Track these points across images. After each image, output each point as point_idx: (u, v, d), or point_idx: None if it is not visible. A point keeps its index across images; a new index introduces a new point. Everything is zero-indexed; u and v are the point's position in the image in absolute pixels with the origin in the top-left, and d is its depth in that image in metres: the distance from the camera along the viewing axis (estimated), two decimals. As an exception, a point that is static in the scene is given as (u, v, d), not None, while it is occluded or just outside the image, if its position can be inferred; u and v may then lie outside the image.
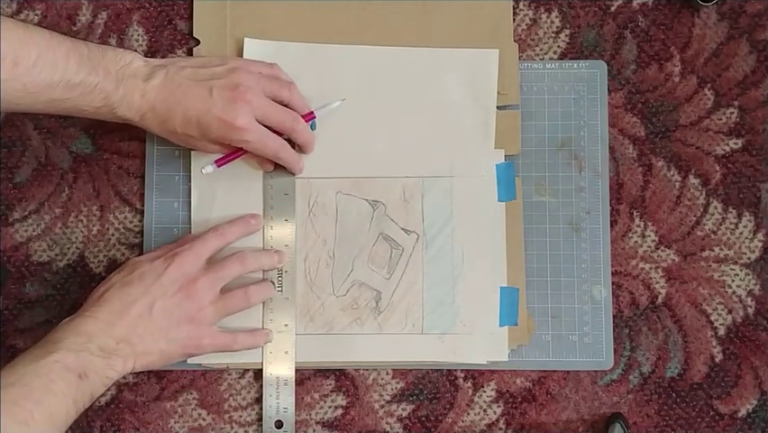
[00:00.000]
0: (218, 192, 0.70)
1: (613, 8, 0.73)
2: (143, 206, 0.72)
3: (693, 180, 0.72)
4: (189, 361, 0.68)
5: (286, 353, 0.69)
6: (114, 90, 0.61)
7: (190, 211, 0.71)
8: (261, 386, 0.70)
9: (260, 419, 0.70)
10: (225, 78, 0.64)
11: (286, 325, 0.69)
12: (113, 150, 0.72)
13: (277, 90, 0.66)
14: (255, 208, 0.70)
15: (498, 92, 0.71)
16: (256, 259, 0.67)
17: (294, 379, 0.69)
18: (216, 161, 0.67)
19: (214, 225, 0.69)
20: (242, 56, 0.71)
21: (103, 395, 0.68)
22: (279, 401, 0.69)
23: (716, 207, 0.72)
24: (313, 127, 0.69)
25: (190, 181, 0.71)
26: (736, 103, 0.72)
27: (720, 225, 0.72)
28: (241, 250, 0.67)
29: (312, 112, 0.69)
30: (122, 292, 0.61)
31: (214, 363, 0.69)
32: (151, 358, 0.61)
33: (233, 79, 0.64)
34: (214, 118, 0.62)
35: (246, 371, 0.71)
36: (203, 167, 0.67)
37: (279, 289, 0.69)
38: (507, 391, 0.71)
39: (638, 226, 0.72)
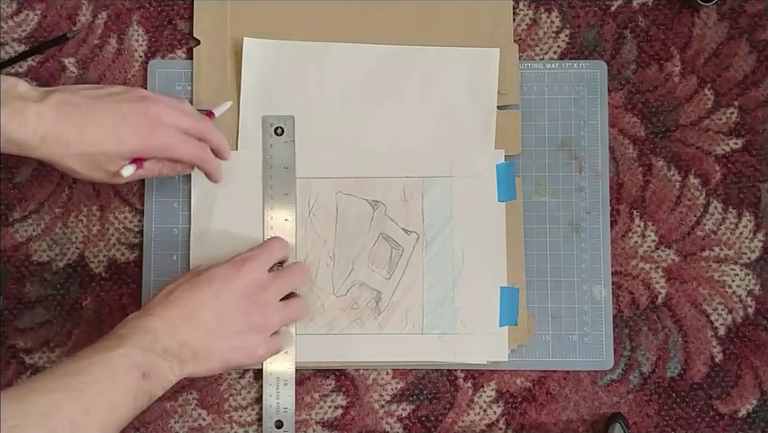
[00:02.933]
0: (218, 192, 0.70)
1: (613, 8, 0.73)
2: (143, 206, 0.72)
3: (693, 180, 0.72)
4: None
5: (286, 353, 0.69)
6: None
7: (190, 211, 0.71)
8: (262, 386, 0.70)
9: (259, 419, 0.70)
10: (126, 93, 0.61)
11: (285, 325, 0.69)
12: (113, 150, 0.72)
13: (176, 103, 0.64)
14: (255, 209, 0.70)
15: (499, 92, 0.71)
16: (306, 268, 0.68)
17: (294, 379, 0.69)
18: (134, 162, 0.62)
19: (215, 225, 0.69)
20: (241, 56, 0.71)
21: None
22: (279, 401, 0.69)
23: (716, 207, 0.72)
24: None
25: (190, 181, 0.71)
26: (736, 103, 0.72)
27: (720, 225, 0.72)
28: (300, 261, 0.68)
29: (212, 112, 0.68)
30: (190, 294, 0.60)
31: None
32: (211, 365, 0.61)
33: (135, 93, 0.62)
34: (132, 126, 0.60)
35: (246, 371, 0.71)
36: (122, 168, 0.61)
37: None
38: (507, 391, 0.71)
39: (638, 226, 0.72)
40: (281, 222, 0.70)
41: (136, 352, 0.56)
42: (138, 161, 0.62)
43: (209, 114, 0.68)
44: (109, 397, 0.53)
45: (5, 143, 0.57)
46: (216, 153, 0.66)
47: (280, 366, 0.69)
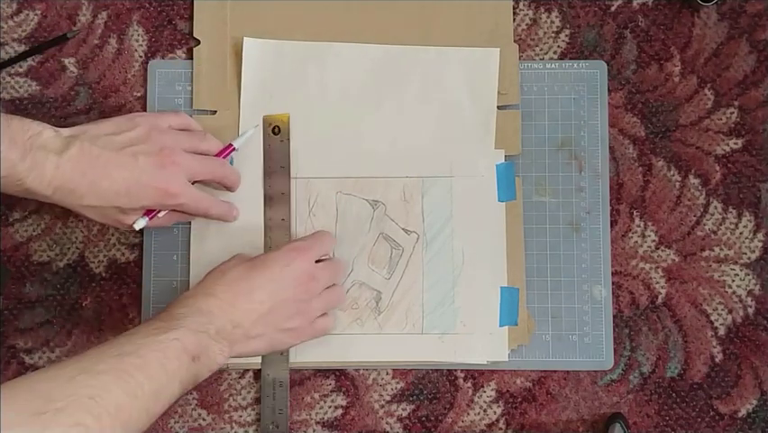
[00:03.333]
0: (218, 192, 0.70)
1: (613, 8, 0.73)
2: (143, 206, 0.72)
3: (693, 180, 0.72)
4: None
5: (281, 354, 0.69)
6: (20, 161, 0.56)
7: (190, 211, 0.71)
8: (261, 387, 0.70)
9: (259, 419, 0.70)
10: (145, 142, 0.62)
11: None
12: (113, 150, 0.72)
13: (196, 144, 0.65)
14: (255, 208, 0.70)
15: (499, 92, 0.71)
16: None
17: (288, 381, 0.69)
18: (147, 213, 0.64)
19: (215, 225, 0.70)
20: (241, 56, 0.71)
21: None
22: (276, 403, 0.69)
23: (716, 207, 0.72)
24: (231, 161, 0.69)
25: (190, 181, 0.71)
26: (736, 103, 0.72)
27: (720, 225, 0.72)
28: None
29: (231, 145, 0.68)
30: (247, 275, 0.61)
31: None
32: (258, 346, 0.62)
33: (154, 143, 0.62)
34: (146, 188, 0.61)
35: (246, 371, 0.71)
36: (134, 221, 0.63)
37: None
38: (507, 391, 0.71)
39: (638, 226, 0.72)
40: (278, 222, 0.70)
41: (188, 335, 0.56)
42: (150, 212, 0.64)
43: (229, 146, 0.68)
44: (157, 381, 0.53)
45: (20, 191, 0.58)
46: (227, 189, 0.69)
47: (276, 368, 0.69)
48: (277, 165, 0.71)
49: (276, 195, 0.70)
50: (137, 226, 0.63)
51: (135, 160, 0.61)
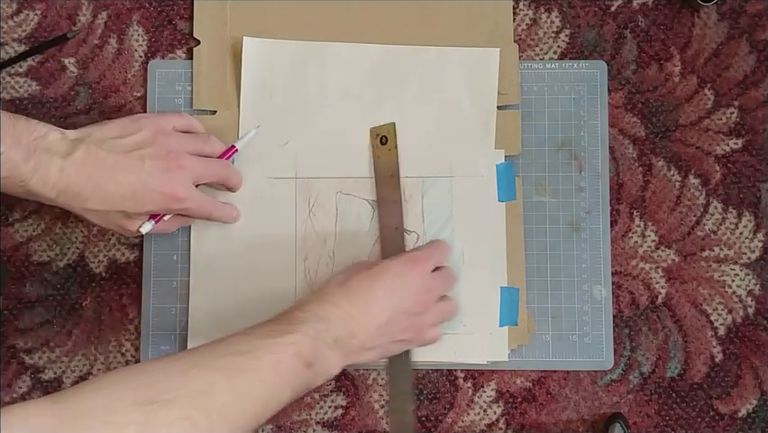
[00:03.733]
0: (218, 192, 0.70)
1: (613, 8, 0.73)
2: (143, 206, 0.72)
3: (693, 180, 0.72)
4: None
5: (405, 366, 0.68)
6: (24, 162, 0.56)
7: (190, 211, 0.71)
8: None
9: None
10: (151, 145, 0.62)
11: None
12: (113, 150, 0.72)
13: (201, 147, 0.65)
14: (256, 208, 0.70)
15: (499, 92, 0.71)
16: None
17: (413, 393, 0.69)
18: (152, 218, 0.64)
19: (215, 225, 0.69)
20: (241, 56, 0.71)
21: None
22: (401, 415, 0.68)
23: (716, 207, 0.72)
24: (232, 162, 0.69)
25: (190, 181, 0.71)
26: (736, 103, 0.72)
27: (720, 225, 0.72)
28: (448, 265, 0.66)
29: (233, 146, 0.68)
30: (366, 286, 0.60)
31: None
32: (371, 357, 0.61)
33: (160, 146, 0.62)
34: (152, 192, 0.61)
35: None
36: (140, 225, 0.63)
37: None
38: (507, 391, 0.71)
39: (638, 226, 0.72)
40: (392, 231, 0.70)
41: (305, 341, 0.55)
42: (155, 216, 0.64)
43: (232, 148, 0.68)
44: (268, 385, 0.52)
45: (24, 192, 0.58)
46: (229, 189, 0.69)
47: (403, 382, 0.68)
48: (386, 174, 0.70)
49: (387, 203, 0.70)
50: (143, 230, 0.63)
51: (142, 163, 0.60)
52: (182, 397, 0.47)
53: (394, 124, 0.71)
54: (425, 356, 0.69)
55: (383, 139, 0.70)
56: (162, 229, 0.66)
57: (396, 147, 0.71)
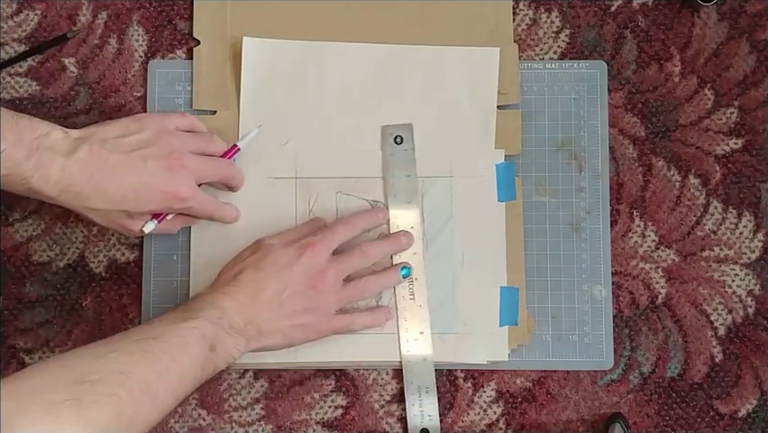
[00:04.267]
0: (218, 192, 0.70)
1: (613, 8, 0.73)
2: (143, 206, 0.72)
3: (693, 180, 0.72)
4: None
5: (424, 360, 0.69)
6: (26, 160, 0.56)
7: (190, 211, 0.71)
8: (261, 386, 0.70)
9: (259, 419, 0.70)
10: (154, 145, 0.62)
11: (421, 333, 0.69)
12: (113, 150, 0.72)
13: (203, 146, 0.66)
14: (255, 208, 0.70)
15: (499, 92, 0.71)
16: (378, 249, 0.68)
17: (435, 386, 0.69)
18: (155, 217, 0.64)
19: (215, 225, 0.69)
20: (241, 56, 0.71)
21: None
22: (423, 409, 0.69)
23: (716, 207, 0.72)
24: (234, 161, 0.69)
25: (190, 181, 0.71)
26: (736, 103, 0.72)
27: (720, 225, 0.72)
28: (364, 242, 0.68)
29: (236, 145, 0.68)
30: (255, 276, 0.63)
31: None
32: (273, 341, 0.64)
33: (162, 146, 0.62)
34: (155, 191, 0.61)
35: (246, 371, 0.71)
36: (143, 225, 0.64)
37: (412, 297, 0.69)
38: (507, 391, 0.71)
39: (638, 226, 0.72)
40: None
41: (206, 325, 0.58)
42: (158, 216, 0.64)
43: (234, 147, 0.68)
44: (180, 363, 0.56)
45: (25, 190, 0.59)
46: (230, 189, 0.69)
47: (420, 373, 0.69)
48: (402, 174, 0.70)
49: (402, 204, 0.70)
50: (146, 230, 0.64)
51: (144, 163, 0.61)
52: (106, 377, 0.51)
53: (411, 125, 0.71)
54: (424, 356, 0.70)
55: (398, 138, 0.70)
56: (165, 229, 0.67)
57: (413, 148, 0.70)
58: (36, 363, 0.56)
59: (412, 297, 0.69)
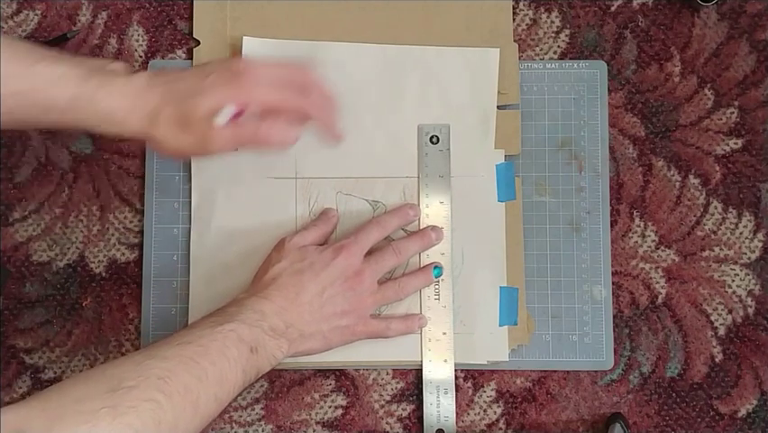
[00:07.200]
0: (218, 192, 0.70)
1: (613, 8, 0.73)
2: (143, 206, 0.72)
3: (693, 180, 0.72)
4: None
5: (445, 361, 0.69)
6: (86, 78, 0.57)
7: (190, 211, 0.71)
8: (261, 386, 0.70)
9: (259, 419, 0.70)
10: (219, 60, 0.62)
11: (444, 333, 0.69)
12: (113, 150, 0.73)
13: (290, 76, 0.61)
14: (256, 209, 0.70)
15: (499, 92, 0.71)
16: (410, 246, 0.68)
17: (454, 386, 0.69)
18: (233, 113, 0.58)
19: (215, 225, 0.69)
20: (241, 56, 0.71)
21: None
22: (440, 410, 0.69)
23: (716, 207, 0.72)
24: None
25: (190, 181, 0.71)
26: (736, 103, 0.72)
27: (720, 225, 0.72)
28: (394, 241, 0.68)
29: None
30: (294, 279, 0.63)
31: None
32: (314, 345, 0.64)
33: (228, 59, 0.62)
34: (218, 75, 0.58)
35: (246, 371, 0.71)
36: (216, 116, 0.57)
37: (437, 298, 0.69)
38: (507, 391, 0.71)
39: (638, 226, 0.72)
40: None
41: (243, 327, 0.58)
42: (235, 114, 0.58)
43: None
44: (220, 367, 0.55)
45: (92, 115, 0.57)
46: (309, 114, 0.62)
47: (440, 374, 0.69)
48: (435, 174, 0.70)
49: (434, 203, 0.70)
50: (220, 118, 0.57)
51: (205, 65, 0.61)
52: (143, 383, 0.50)
53: (449, 125, 0.71)
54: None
55: (434, 138, 0.70)
56: (242, 135, 0.59)
57: (448, 149, 0.70)
58: (72, 375, 0.55)
59: (437, 297, 0.69)
